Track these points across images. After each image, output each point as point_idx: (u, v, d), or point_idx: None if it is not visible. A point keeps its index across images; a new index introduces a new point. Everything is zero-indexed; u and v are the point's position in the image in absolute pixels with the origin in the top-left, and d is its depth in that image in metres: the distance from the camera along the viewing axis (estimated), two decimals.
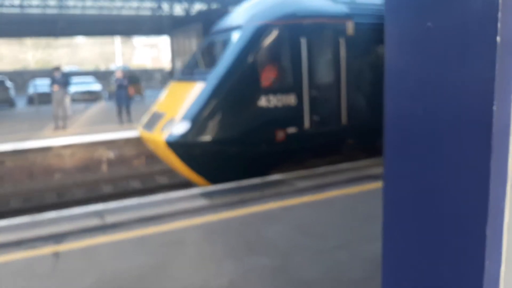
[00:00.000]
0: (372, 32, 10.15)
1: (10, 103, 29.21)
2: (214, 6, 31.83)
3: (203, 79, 9.34)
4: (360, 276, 4.75)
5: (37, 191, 12.85)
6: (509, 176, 1.34)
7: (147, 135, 9.99)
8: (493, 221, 1.33)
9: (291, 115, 9.31)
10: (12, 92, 29.60)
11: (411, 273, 1.61)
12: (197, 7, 34.55)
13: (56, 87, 17.53)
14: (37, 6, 32.58)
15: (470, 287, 1.40)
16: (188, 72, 10.86)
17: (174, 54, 35.90)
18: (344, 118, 9.80)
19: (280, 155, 9.54)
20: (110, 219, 6.78)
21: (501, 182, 1.33)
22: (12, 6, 31.76)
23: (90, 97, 31.17)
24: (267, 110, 9.07)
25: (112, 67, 57.24)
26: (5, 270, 5.27)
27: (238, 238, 5.91)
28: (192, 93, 9.25)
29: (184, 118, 8.94)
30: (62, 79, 17.90)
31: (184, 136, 8.79)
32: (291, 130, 9.27)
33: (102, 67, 62.94)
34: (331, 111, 9.80)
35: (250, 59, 9.09)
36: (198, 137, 8.82)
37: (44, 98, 25.74)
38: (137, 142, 13.56)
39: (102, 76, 44.47)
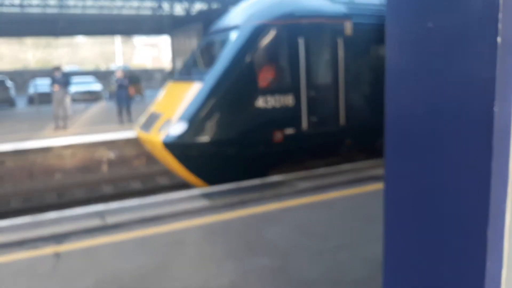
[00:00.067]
0: (371, 33, 10.11)
1: (10, 103, 29.22)
2: (215, 6, 31.79)
3: (201, 79, 9.30)
4: (361, 277, 4.75)
5: (37, 191, 12.84)
6: (510, 176, 1.33)
7: (144, 135, 9.94)
8: (494, 222, 1.33)
9: (289, 115, 9.27)
10: (12, 92, 29.61)
11: (412, 274, 1.61)
12: (198, 6, 34.52)
13: (56, 87, 17.53)
14: (37, 6, 32.55)
15: None
16: (186, 72, 10.84)
17: (175, 54, 35.90)
18: (342, 119, 9.76)
19: (278, 156, 9.50)
20: (111, 219, 6.79)
21: (502, 183, 1.33)
22: (12, 5, 31.74)
23: (91, 97, 31.18)
24: (264, 110, 9.03)
25: (113, 67, 57.26)
26: (7, 270, 5.27)
27: (238, 238, 5.91)
28: (189, 94, 9.22)
29: (181, 118, 8.90)
30: (63, 79, 17.89)
31: (181, 137, 8.76)
32: (289, 131, 9.23)
33: (103, 67, 62.93)
34: (329, 111, 9.76)
35: (247, 59, 9.05)
36: (195, 138, 8.78)
37: (44, 98, 25.75)
38: (138, 142, 13.57)
39: (102, 76, 44.51)
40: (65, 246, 5.85)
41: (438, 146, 1.43)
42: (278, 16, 9.33)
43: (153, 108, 10.46)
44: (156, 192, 11.27)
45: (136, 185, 13.35)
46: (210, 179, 9.21)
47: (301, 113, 9.30)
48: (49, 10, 32.97)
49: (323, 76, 9.86)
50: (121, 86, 19.09)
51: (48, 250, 5.73)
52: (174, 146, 8.87)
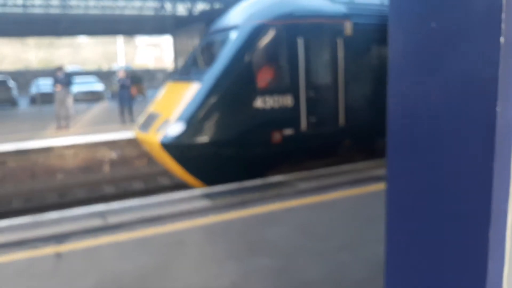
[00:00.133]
0: (371, 33, 10.07)
1: (13, 102, 29.25)
2: (217, 6, 31.79)
3: (199, 79, 9.26)
4: (362, 277, 4.74)
5: (38, 191, 12.85)
6: None
7: (142, 136, 9.90)
8: (496, 222, 1.32)
9: (288, 116, 9.23)
10: (14, 92, 29.64)
11: (414, 274, 1.60)
12: (200, 7, 34.53)
13: (58, 87, 17.55)
14: (40, 6, 32.58)
15: None
16: (185, 72, 10.80)
17: (177, 54, 35.93)
18: (341, 120, 9.72)
19: (277, 157, 9.46)
20: (112, 219, 6.79)
21: (504, 183, 1.32)
22: (15, 5, 31.77)
23: (93, 97, 31.27)
24: (263, 111, 8.99)
25: (115, 67, 57.31)
26: (8, 270, 5.27)
27: (239, 239, 5.90)
28: (188, 94, 9.17)
29: (179, 119, 8.86)
30: (65, 79, 17.91)
31: (179, 137, 8.72)
32: (288, 131, 9.19)
33: (105, 67, 62.99)
34: (329, 112, 9.72)
35: (246, 59, 9.01)
36: (193, 139, 8.74)
37: (46, 98, 25.78)
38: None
39: (104, 76, 44.55)
40: (66, 246, 5.85)
41: (440, 146, 1.43)
42: (277, 16, 9.29)
43: (151, 108, 10.42)
44: (158, 192, 11.26)
45: (137, 185, 13.35)
46: (208, 180, 9.17)
47: (300, 113, 9.26)
48: (52, 11, 33.00)
49: (322, 76, 9.81)
50: (123, 86, 19.12)
51: (49, 250, 5.73)
52: (172, 147, 8.84)
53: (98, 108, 26.40)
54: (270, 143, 9.08)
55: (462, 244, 1.40)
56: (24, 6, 31.78)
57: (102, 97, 32.02)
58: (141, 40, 74.61)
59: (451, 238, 1.43)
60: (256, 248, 5.60)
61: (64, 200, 12.14)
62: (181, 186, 11.67)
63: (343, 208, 7.01)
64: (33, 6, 32.12)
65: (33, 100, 30.43)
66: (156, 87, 41.67)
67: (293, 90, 9.20)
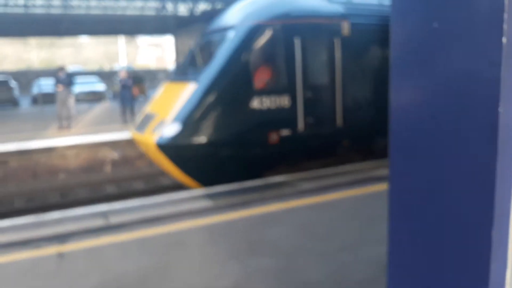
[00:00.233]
0: (369, 33, 10.01)
1: (14, 102, 29.26)
2: (219, 6, 31.78)
3: (195, 79, 9.21)
4: (364, 278, 4.75)
5: (40, 191, 12.86)
6: None
7: (138, 136, 9.83)
8: (498, 223, 1.32)
9: (285, 117, 9.17)
10: (16, 92, 29.66)
11: (417, 274, 1.60)
12: (202, 7, 34.53)
13: (60, 87, 17.57)
14: (41, 6, 32.61)
15: None
16: (182, 72, 10.74)
17: (179, 54, 35.93)
18: (339, 120, 9.66)
19: (274, 158, 9.41)
20: (114, 219, 6.79)
21: (506, 183, 1.32)
22: (17, 6, 31.80)
23: (94, 97, 31.32)
24: (260, 111, 8.93)
25: (116, 67, 57.32)
26: (10, 269, 5.28)
27: (241, 239, 5.91)
28: (184, 94, 9.12)
29: (175, 119, 8.80)
30: (66, 79, 17.93)
31: (175, 138, 8.66)
32: (285, 132, 9.13)
33: (106, 67, 63.02)
34: (326, 113, 9.66)
35: (243, 59, 8.96)
36: (189, 139, 8.68)
37: (48, 98, 25.81)
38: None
39: (106, 76, 44.56)
40: (68, 246, 5.86)
41: (442, 146, 1.43)
42: (274, 16, 9.24)
43: (148, 109, 10.36)
44: (159, 192, 11.26)
45: (139, 185, 13.35)
46: (204, 181, 9.13)
47: (297, 114, 9.20)
48: (53, 11, 33.02)
49: (320, 76, 9.73)
50: (125, 86, 19.13)
51: (52, 250, 5.74)
52: (168, 148, 8.78)
53: (100, 108, 26.41)
54: (267, 144, 9.03)
55: (465, 244, 1.40)
56: (25, 6, 31.79)
57: (104, 97, 32.06)
58: (143, 40, 74.64)
59: (454, 238, 1.43)
60: (257, 248, 5.60)
61: (66, 200, 12.14)
62: (182, 186, 11.68)
63: (344, 208, 7.01)
64: (34, 6, 32.13)
65: (35, 100, 30.49)
66: (158, 87, 41.73)
67: (290, 91, 9.14)
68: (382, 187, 7.60)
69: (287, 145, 9.20)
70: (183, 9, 35.68)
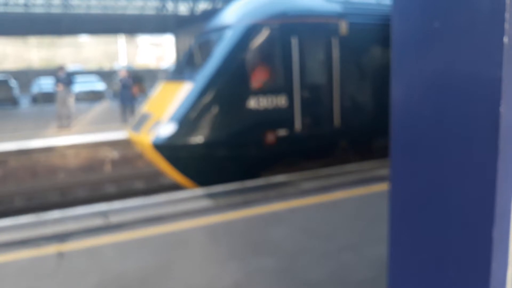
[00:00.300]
0: (366, 32, 9.96)
1: (14, 102, 29.24)
2: (219, 5, 31.79)
3: (192, 79, 9.15)
4: (366, 278, 4.73)
5: (40, 190, 12.85)
6: None
7: (135, 136, 9.76)
8: (499, 223, 1.32)
9: (282, 117, 9.11)
10: (16, 91, 29.66)
11: (417, 274, 1.60)
12: (202, 6, 34.54)
13: (60, 86, 17.58)
14: (42, 5, 32.64)
15: None
16: (178, 71, 10.68)
17: (179, 53, 35.92)
18: (336, 120, 9.60)
19: (270, 158, 9.36)
20: (114, 219, 6.78)
21: (508, 184, 1.32)
22: (17, 5, 31.83)
23: (94, 96, 31.32)
24: (256, 111, 8.87)
25: (116, 66, 57.29)
26: (10, 269, 5.27)
27: (242, 239, 5.89)
28: (180, 94, 9.06)
29: (171, 119, 8.74)
30: (66, 78, 17.94)
31: (171, 138, 8.60)
32: (282, 132, 9.07)
33: (106, 66, 62.98)
34: (323, 113, 9.60)
35: (239, 59, 8.90)
36: (184, 139, 8.62)
37: (48, 97, 25.82)
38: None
39: (106, 75, 44.56)
40: (68, 245, 5.85)
41: (443, 146, 1.43)
42: (270, 15, 9.17)
43: (144, 108, 10.30)
44: (160, 191, 11.25)
45: (139, 184, 13.35)
46: (200, 181, 9.08)
47: (294, 114, 9.14)
48: (53, 10, 33.05)
49: (317, 76, 9.67)
50: (125, 86, 19.13)
51: (52, 249, 5.73)
52: (163, 148, 8.72)
53: (100, 107, 26.41)
54: (263, 144, 8.97)
55: (466, 243, 1.40)
56: (25, 5, 31.82)
57: (104, 97, 32.06)
58: (143, 40, 74.58)
59: (454, 238, 1.43)
60: (259, 248, 5.59)
61: (66, 199, 12.14)
62: (182, 186, 11.68)
63: (346, 208, 7.00)
64: (34, 5, 32.15)
65: (35, 100, 30.50)
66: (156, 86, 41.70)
67: (287, 91, 9.07)
68: (384, 186, 7.59)
69: (284, 146, 9.13)
70: (183, 9, 35.70)
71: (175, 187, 11.87)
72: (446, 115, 1.41)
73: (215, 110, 8.73)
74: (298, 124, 9.16)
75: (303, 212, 6.83)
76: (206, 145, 8.64)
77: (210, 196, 7.75)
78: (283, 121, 9.10)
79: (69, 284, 4.86)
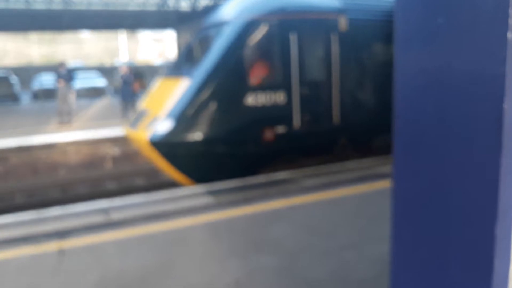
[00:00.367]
0: (366, 28, 9.88)
1: (15, 98, 29.24)
2: (221, 1, 31.73)
3: (189, 75, 9.09)
4: (368, 276, 4.72)
5: (41, 187, 12.86)
6: None
7: (132, 133, 9.70)
8: (502, 220, 1.31)
9: (280, 114, 9.05)
10: (17, 88, 29.67)
11: (420, 272, 1.59)
12: (204, 2, 34.50)
13: (61, 83, 17.58)
14: (42, 1, 32.62)
15: (479, 287, 1.38)
16: (176, 67, 10.60)
17: (180, 49, 35.89)
18: (336, 117, 9.55)
19: (269, 155, 9.30)
20: (115, 216, 6.78)
21: (510, 181, 1.31)
22: (18, 1, 31.81)
23: (95, 92, 31.34)
24: (254, 108, 8.81)
25: (117, 62, 57.28)
26: (10, 266, 5.26)
27: (243, 236, 5.88)
28: (178, 90, 8.99)
29: (168, 116, 8.68)
30: (67, 74, 17.95)
31: (168, 135, 8.55)
32: (280, 129, 9.02)
33: (107, 62, 62.96)
34: (323, 110, 9.53)
35: (237, 55, 8.83)
36: (182, 136, 8.57)
37: (48, 94, 25.83)
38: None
39: (107, 71, 44.57)
40: (69, 242, 5.84)
41: (446, 143, 1.42)
42: (269, 11, 9.09)
43: (142, 105, 10.23)
44: (161, 188, 11.24)
45: (140, 181, 13.35)
46: (198, 178, 9.03)
47: (293, 111, 9.08)
48: (54, 6, 33.03)
49: (316, 73, 9.59)
50: (126, 82, 19.12)
51: (52, 246, 5.73)
52: (160, 145, 8.67)
53: (101, 103, 26.41)
54: (261, 141, 8.92)
55: (468, 241, 1.39)
56: (26, 1, 31.80)
57: (104, 93, 32.07)
58: (144, 35, 74.55)
59: (457, 236, 1.42)
60: (260, 245, 5.58)
61: (67, 196, 12.14)
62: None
63: (348, 205, 6.98)
64: (35, 1, 32.14)
65: (35, 96, 30.52)
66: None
67: (286, 87, 9.01)
68: (386, 184, 7.57)
69: (283, 143, 9.08)
70: (184, 4, 35.66)
71: (177, 184, 11.88)
72: (449, 111, 1.40)
73: (212, 106, 8.67)
74: (296, 121, 9.11)
75: (304, 210, 6.82)
76: (203, 142, 8.59)
77: (211, 193, 7.74)
78: (282, 118, 9.05)
79: (69, 281, 4.85)
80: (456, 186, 1.41)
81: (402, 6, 1.54)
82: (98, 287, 4.72)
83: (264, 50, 9.06)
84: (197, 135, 8.52)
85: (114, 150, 14.70)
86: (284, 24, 9.05)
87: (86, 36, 70.67)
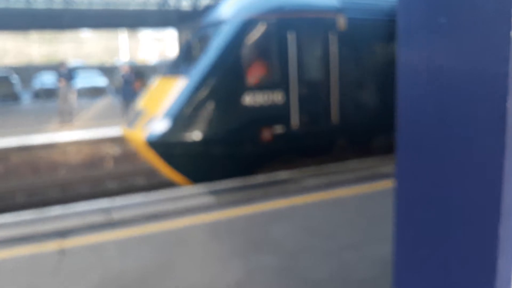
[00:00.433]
0: (365, 27, 9.84)
1: (15, 97, 29.24)
2: (221, 0, 31.73)
3: (186, 74, 9.04)
4: (369, 276, 4.71)
5: (42, 186, 12.86)
6: None
7: (129, 133, 9.65)
8: (506, 220, 1.31)
9: (278, 113, 9.01)
10: (17, 87, 29.67)
11: (423, 272, 1.59)
12: (205, 1, 34.50)
13: (62, 82, 17.59)
14: (43, 1, 32.65)
15: (482, 287, 1.37)
16: (174, 67, 10.57)
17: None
18: (334, 117, 9.50)
19: (266, 155, 9.25)
20: (115, 215, 6.77)
21: None
22: (18, 0, 31.83)
23: (96, 92, 31.35)
24: (252, 108, 8.77)
25: (118, 61, 57.26)
26: (10, 265, 5.26)
27: (244, 236, 5.88)
28: (175, 89, 8.95)
29: (165, 115, 8.64)
30: (68, 73, 17.96)
31: (164, 135, 8.51)
32: (278, 129, 8.98)
33: (108, 62, 62.97)
34: (321, 109, 9.49)
35: (235, 54, 8.79)
36: (178, 136, 8.53)
37: (49, 93, 25.84)
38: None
39: (108, 71, 44.58)
40: (69, 241, 5.84)
41: (449, 143, 1.41)
42: (267, 10, 9.06)
43: (139, 104, 10.17)
44: (162, 188, 11.23)
45: (141, 180, 13.35)
46: (195, 178, 8.99)
47: (291, 111, 9.04)
48: (55, 5, 33.05)
49: (314, 72, 9.54)
50: (127, 81, 19.11)
51: (53, 245, 5.72)
52: (157, 145, 8.63)
53: (101, 103, 26.41)
54: (259, 141, 8.88)
55: (471, 242, 1.39)
56: (27, 0, 31.82)
57: (105, 92, 32.08)
58: (145, 35, 74.52)
59: (460, 236, 1.42)
60: (261, 245, 5.57)
61: (67, 195, 12.14)
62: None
63: (349, 205, 6.97)
64: (36, 0, 32.15)
65: (36, 95, 30.54)
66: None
67: (284, 87, 8.97)
68: (387, 184, 7.57)
69: (281, 143, 9.05)
70: (185, 4, 35.67)
71: (177, 184, 11.87)
72: (452, 111, 1.39)
73: (210, 106, 8.62)
74: (295, 121, 9.07)
75: (304, 210, 6.81)
76: (200, 142, 8.55)
77: (211, 193, 7.73)
78: (280, 118, 9.00)
79: (70, 281, 4.85)
80: (459, 186, 1.40)
81: (404, 6, 1.54)
82: (99, 287, 4.71)
83: (262, 49, 9.02)
84: (194, 135, 8.48)
85: (115, 150, 14.70)
86: (282, 23, 9.01)
87: (86, 35, 70.65)
